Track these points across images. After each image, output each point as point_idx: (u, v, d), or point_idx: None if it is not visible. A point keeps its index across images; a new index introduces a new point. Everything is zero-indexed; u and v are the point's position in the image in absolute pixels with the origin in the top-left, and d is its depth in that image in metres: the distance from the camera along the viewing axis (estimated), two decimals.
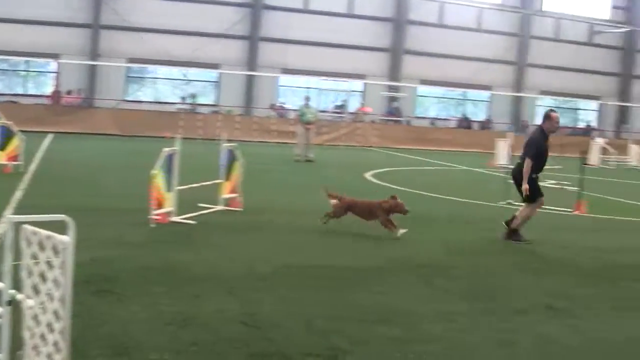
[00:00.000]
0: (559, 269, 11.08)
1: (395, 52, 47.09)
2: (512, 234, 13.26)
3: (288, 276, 9.41)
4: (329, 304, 8.19)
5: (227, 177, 15.09)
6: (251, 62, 44.25)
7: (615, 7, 52.98)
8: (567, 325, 8.04)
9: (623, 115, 53.83)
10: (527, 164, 13.03)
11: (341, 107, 45.90)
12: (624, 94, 53.69)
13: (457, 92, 51.76)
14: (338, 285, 9.09)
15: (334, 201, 13.53)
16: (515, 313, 8.35)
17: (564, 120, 54.03)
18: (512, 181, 14.01)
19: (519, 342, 7.26)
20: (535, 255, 12.05)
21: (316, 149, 30.25)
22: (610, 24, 52.10)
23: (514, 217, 13.46)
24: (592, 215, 17.49)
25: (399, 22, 46.88)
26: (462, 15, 48.10)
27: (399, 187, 20.61)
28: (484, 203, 18.35)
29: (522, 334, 7.54)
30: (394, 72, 47.23)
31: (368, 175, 23.39)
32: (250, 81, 44.50)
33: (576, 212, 17.54)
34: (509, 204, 18.10)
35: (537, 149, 13.19)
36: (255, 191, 16.71)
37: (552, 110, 13.81)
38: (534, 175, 13.22)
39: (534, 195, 13.22)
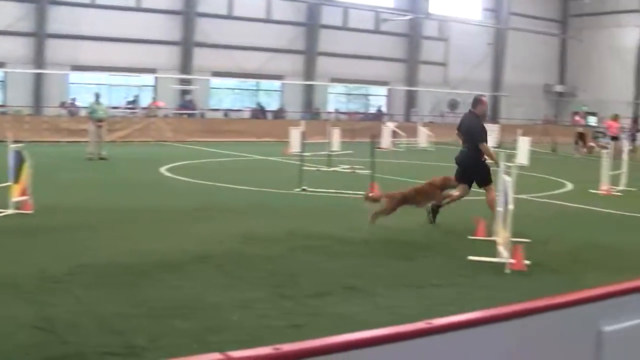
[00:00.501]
0: (354, 249, 11.42)
1: (186, 45, 46.72)
2: (435, 210, 14.05)
3: (83, 276, 9.21)
4: (126, 302, 8.10)
5: (16, 179, 14.54)
6: (39, 59, 42.65)
7: None
8: (365, 303, 8.33)
9: (411, 99, 55.92)
10: (485, 148, 13.73)
11: (133, 103, 45.15)
12: (411, 79, 55.79)
13: (250, 82, 52.00)
14: (134, 282, 8.99)
15: (384, 199, 13.73)
16: (313, 296, 8.55)
17: (354, 106, 55.86)
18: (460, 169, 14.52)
19: (315, 323, 7.45)
20: (329, 238, 12.34)
21: (109, 146, 29.63)
22: (395, 12, 54.00)
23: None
24: None
25: (188, 15, 46.52)
26: (251, 6, 48.36)
27: (195, 180, 20.59)
28: (280, 191, 18.61)
29: (320, 316, 7.74)
30: (186, 65, 46.85)
31: (163, 169, 23.18)
32: (38, 79, 42.86)
33: (371, 194, 18.09)
34: (304, 190, 18.48)
35: (485, 132, 13.88)
36: (47, 192, 16.18)
37: (481, 95, 14.66)
38: (483, 159, 13.92)
39: (489, 179, 13.88)
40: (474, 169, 14.18)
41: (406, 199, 13.79)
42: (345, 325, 7.34)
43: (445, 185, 13.95)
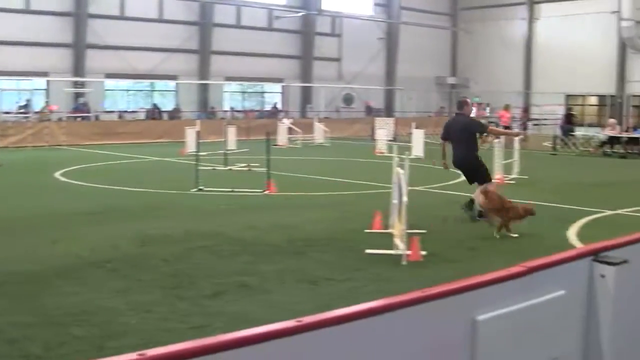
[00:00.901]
0: (249, 248, 11.45)
1: (78, 47, 45.83)
2: (480, 215, 14.11)
3: None
4: (21, 311, 7.96)
5: None
6: None
7: None
8: (260, 300, 8.37)
9: (306, 95, 56.12)
10: (495, 130, 15.36)
11: (25, 107, 44.08)
12: (305, 75, 56.00)
13: (144, 83, 51.38)
14: (29, 290, 8.83)
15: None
16: (210, 296, 8.56)
17: (250, 104, 55.80)
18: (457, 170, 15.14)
19: (212, 324, 7.46)
20: (225, 237, 12.35)
21: (2, 152, 28.94)
22: (288, 9, 54.10)
23: (472, 201, 14.37)
24: (282, 193, 18.20)
25: (79, 16, 45.64)
26: (143, 6, 47.77)
27: (90, 184, 20.27)
28: (176, 192, 18.49)
29: (217, 316, 7.74)
30: (78, 67, 45.96)
31: (58, 174, 22.73)
32: None
33: (266, 192, 18.17)
34: (200, 190, 18.42)
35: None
36: None
37: (464, 97, 15.97)
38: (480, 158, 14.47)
39: (488, 177, 14.53)
40: (475, 169, 14.45)
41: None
42: (241, 324, 7.37)
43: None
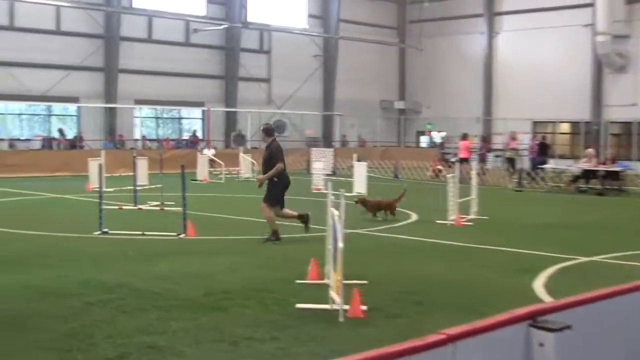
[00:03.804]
0: (159, 302, 11.32)
1: None
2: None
3: None
4: None
5: None
6: None
7: (211, 2, 54.55)
8: None
9: (231, 122, 55.88)
10: (278, 167, 17.58)
11: None
12: (229, 98, 55.77)
13: (40, 106, 50.77)
14: None
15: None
16: (110, 359, 8.43)
17: (165, 132, 55.48)
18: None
19: None
20: (130, 289, 12.22)
21: None
22: (208, 21, 53.92)
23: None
24: (202, 237, 18.13)
25: None
26: (36, 16, 47.19)
27: None
28: (77, 235, 18.27)
29: None
30: None
31: None
32: None
33: (184, 236, 18.05)
34: (105, 232, 18.23)
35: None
36: None
37: (267, 124, 19.72)
38: (275, 179, 17.71)
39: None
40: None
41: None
42: None
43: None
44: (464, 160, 36.94)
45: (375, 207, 22.39)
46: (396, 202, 22.46)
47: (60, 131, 49.25)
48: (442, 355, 3.10)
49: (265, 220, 17.91)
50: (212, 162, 40.09)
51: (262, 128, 19.11)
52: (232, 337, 9.39)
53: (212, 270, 13.90)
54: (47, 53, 47.26)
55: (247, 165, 40.60)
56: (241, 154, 41.76)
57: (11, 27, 46.70)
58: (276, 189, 17.87)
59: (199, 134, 55.47)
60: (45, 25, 47.84)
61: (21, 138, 48.60)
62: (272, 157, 17.86)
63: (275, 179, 17.75)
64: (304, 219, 18.40)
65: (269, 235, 17.62)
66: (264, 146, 19.18)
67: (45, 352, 8.78)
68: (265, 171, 17.92)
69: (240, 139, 53.21)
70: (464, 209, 22.08)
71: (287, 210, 18.23)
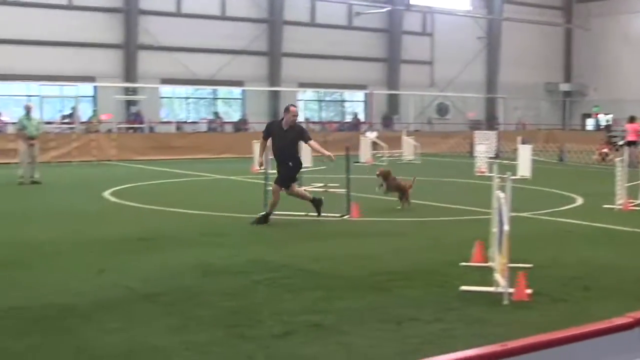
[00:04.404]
0: (323, 281, 11.44)
1: (129, 48, 46.57)
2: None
3: (11, 322, 9.18)
4: (61, 350, 8.08)
5: None
6: None
7: None
8: (335, 343, 8.35)
9: (393, 105, 55.90)
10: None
11: (70, 116, 44.87)
12: (392, 81, 55.82)
13: (206, 90, 51.90)
14: (70, 326, 8.97)
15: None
16: (277, 337, 8.56)
17: (328, 115, 55.85)
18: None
19: None
20: (295, 269, 12.37)
21: (43, 167, 29.53)
22: (371, 5, 53.97)
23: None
24: (366, 218, 18.21)
25: (129, 13, 46.28)
26: (202, 2, 48.33)
27: (143, 205, 20.56)
28: (241, 215, 18.58)
29: (285, 359, 7.75)
30: (129, 71, 46.72)
31: (107, 194, 23.11)
32: None
33: (348, 217, 18.20)
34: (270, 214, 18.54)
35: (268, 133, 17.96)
36: None
37: (292, 105, 18.08)
38: (290, 164, 17.47)
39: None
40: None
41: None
42: None
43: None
44: (631, 144, 35.88)
45: (395, 187, 20.63)
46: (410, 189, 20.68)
47: (216, 114, 50.25)
48: (627, 338, 3.02)
49: (298, 198, 18.19)
50: (374, 145, 40.17)
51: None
52: (396, 318, 9.40)
53: (376, 251, 13.94)
54: (213, 38, 48.28)
55: (409, 148, 40.55)
56: (404, 137, 41.71)
57: (178, 14, 47.87)
58: (292, 172, 17.83)
59: (361, 117, 55.61)
60: (211, 12, 48.84)
61: (188, 121, 49.82)
62: (298, 138, 17.92)
63: (291, 163, 17.63)
64: (316, 202, 18.10)
65: (315, 205, 18.03)
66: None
67: (214, 326, 8.98)
68: (289, 152, 17.68)
69: (388, 121, 53.29)
70: (632, 193, 21.46)
71: (301, 190, 18.47)
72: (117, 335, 8.61)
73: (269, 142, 17.98)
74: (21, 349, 8.19)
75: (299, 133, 17.83)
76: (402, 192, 20.35)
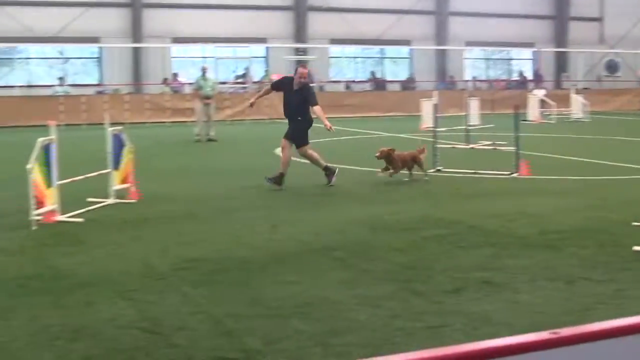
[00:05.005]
0: (493, 239, 11.32)
1: (299, 9, 47.02)
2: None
3: (191, 272, 9.45)
4: (238, 300, 8.26)
5: (117, 166, 14.99)
6: (136, 32, 43.70)
7: None
8: (505, 300, 8.27)
9: (561, 63, 54.73)
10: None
11: (243, 77, 45.67)
12: (560, 38, 54.60)
13: (374, 49, 51.96)
14: (247, 278, 9.16)
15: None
16: (447, 293, 8.53)
17: (495, 73, 55.05)
18: None
19: (451, 325, 7.44)
20: (464, 226, 12.29)
21: (219, 125, 30.19)
22: None
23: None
24: (534, 176, 17.92)
25: None
26: None
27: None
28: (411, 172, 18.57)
29: (454, 316, 7.71)
30: (300, 32, 47.16)
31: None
32: (137, 54, 43.98)
33: (516, 175, 17.95)
34: (438, 170, 18.48)
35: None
36: (150, 179, 16.76)
37: (301, 66, 17.96)
38: (299, 118, 17.24)
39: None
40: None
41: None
42: (483, 327, 7.33)
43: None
44: None
45: (403, 163, 17.31)
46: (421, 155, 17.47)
47: (372, 73, 50.14)
48: None
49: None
50: (543, 103, 39.48)
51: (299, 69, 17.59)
52: (567, 277, 9.21)
53: (546, 210, 13.69)
54: None
55: (578, 106, 39.70)
56: (573, 95, 40.84)
57: None
58: (302, 126, 17.37)
59: (528, 75, 54.67)
60: None
61: (356, 80, 49.98)
62: (306, 101, 17.26)
63: (299, 118, 17.24)
64: (328, 171, 17.23)
65: (327, 174, 17.22)
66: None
67: (385, 281, 9.01)
68: (298, 111, 17.25)
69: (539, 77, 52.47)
70: None
71: (315, 155, 17.54)
72: (292, 287, 8.75)
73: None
74: (199, 296, 8.43)
75: (306, 96, 17.27)
76: (416, 163, 17.46)
